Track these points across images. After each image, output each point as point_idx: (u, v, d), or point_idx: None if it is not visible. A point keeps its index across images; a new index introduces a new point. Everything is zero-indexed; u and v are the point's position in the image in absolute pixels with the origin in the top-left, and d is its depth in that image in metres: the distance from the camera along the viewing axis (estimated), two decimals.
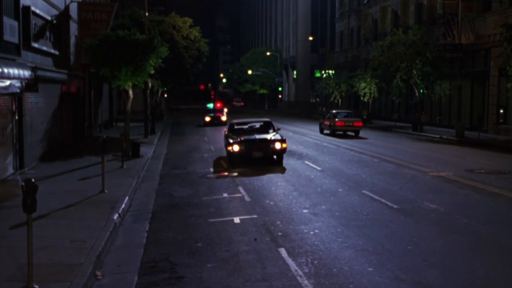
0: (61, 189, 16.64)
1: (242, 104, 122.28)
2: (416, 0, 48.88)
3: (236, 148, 21.82)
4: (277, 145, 21.85)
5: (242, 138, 22.17)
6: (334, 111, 40.74)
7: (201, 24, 55.35)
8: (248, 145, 21.98)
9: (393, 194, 16.07)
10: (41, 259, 9.34)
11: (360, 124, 38.57)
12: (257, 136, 22.64)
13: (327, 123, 39.64)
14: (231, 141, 22.23)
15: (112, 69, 23.98)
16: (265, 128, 24.52)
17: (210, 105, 58.21)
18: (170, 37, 44.88)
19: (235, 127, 25.07)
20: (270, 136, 22.58)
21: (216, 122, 49.86)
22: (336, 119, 38.31)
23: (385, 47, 43.75)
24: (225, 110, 55.81)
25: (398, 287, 8.54)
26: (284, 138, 22.53)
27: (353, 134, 38.33)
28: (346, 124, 38.16)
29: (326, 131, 40.03)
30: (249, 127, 25.50)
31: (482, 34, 37.28)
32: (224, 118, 50.45)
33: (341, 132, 38.67)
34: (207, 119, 50.63)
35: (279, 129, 24.59)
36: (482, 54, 38.56)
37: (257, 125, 25.67)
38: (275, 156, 22.70)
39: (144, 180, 19.55)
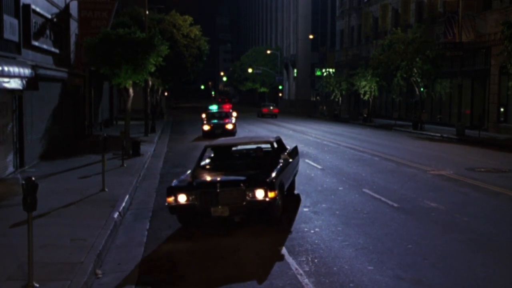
0: (61, 187, 16.64)
1: (226, 101, 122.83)
2: None
3: (182, 198, 11.82)
4: (259, 194, 11.72)
5: (194, 181, 12.25)
6: (264, 103, 71.83)
7: (201, 22, 55.36)
8: (204, 196, 11.79)
9: (393, 192, 16.06)
10: (41, 258, 9.34)
11: (277, 110, 65.62)
12: (225, 178, 12.42)
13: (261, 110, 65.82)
14: (174, 184, 12.35)
15: (113, 68, 23.99)
16: (262, 159, 14.42)
17: (214, 107, 45.19)
18: (171, 35, 44.94)
19: (212, 154, 15.72)
20: (251, 175, 12.39)
21: (218, 132, 35.92)
22: (263, 108, 65.59)
23: (385, 46, 43.75)
24: (234, 114, 41.70)
25: (398, 286, 8.54)
26: (273, 180, 11.99)
27: (275, 117, 62.56)
28: (268, 111, 64.72)
29: (259, 115, 64.41)
30: (233, 154, 15.91)
31: (483, 32, 37.24)
32: (230, 126, 37.09)
33: (269, 116, 63.10)
34: (206, 128, 36.83)
35: (293, 153, 15.50)
36: (482, 53, 38.50)
37: (252, 149, 15.84)
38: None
39: (144, 179, 19.54)
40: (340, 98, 60.90)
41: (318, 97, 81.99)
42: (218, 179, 12.28)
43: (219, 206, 11.70)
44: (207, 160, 14.79)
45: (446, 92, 41.23)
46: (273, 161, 13.68)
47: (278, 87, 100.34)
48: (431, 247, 10.52)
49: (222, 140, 16.24)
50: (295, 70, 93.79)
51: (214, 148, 15.61)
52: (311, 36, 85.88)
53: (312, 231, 11.90)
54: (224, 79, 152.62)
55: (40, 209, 9.87)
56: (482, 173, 19.58)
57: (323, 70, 68.74)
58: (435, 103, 44.86)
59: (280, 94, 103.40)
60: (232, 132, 36.26)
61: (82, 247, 10.25)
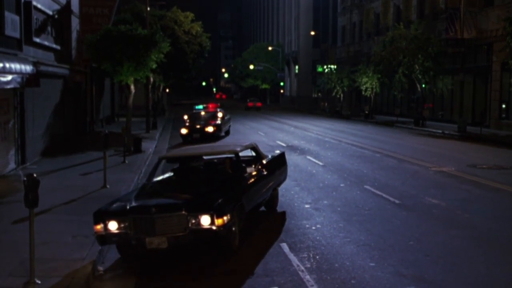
0: (63, 184, 16.66)
1: (223, 97, 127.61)
2: None
3: (113, 226, 9.52)
4: (204, 221, 9.38)
5: (129, 204, 9.80)
6: (249, 98, 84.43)
7: (202, 19, 55.38)
8: (137, 223, 9.45)
9: (395, 189, 16.05)
10: (43, 254, 9.34)
11: (260, 104, 77.71)
12: (164, 201, 10.07)
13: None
14: (103, 208, 10.04)
15: (114, 64, 23.99)
16: (224, 174, 11.71)
17: (200, 107, 37.36)
18: (172, 32, 44.91)
19: (170, 168, 13.51)
20: (197, 197, 10.04)
21: (197, 136, 31.03)
22: (248, 102, 78.30)
23: (387, 42, 43.67)
24: (220, 115, 34.35)
25: (400, 282, 8.53)
26: (223, 202, 9.67)
27: (259, 110, 73.50)
28: (253, 104, 76.04)
29: (246, 109, 75.04)
30: (195, 167, 12.91)
31: (485, 29, 37.17)
32: (210, 129, 31.66)
33: (254, 109, 73.49)
34: (184, 131, 31.32)
35: (274, 162, 13.43)
36: (484, 49, 38.45)
37: (220, 160, 13.24)
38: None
39: (146, 176, 19.51)
40: (342, 95, 60.84)
41: (319, 94, 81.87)
42: (156, 202, 9.81)
43: (156, 236, 9.32)
44: (166, 175, 12.53)
45: (448, 88, 41.16)
46: (235, 177, 11.26)
47: (279, 83, 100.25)
48: (433, 244, 10.52)
49: (179, 151, 14.19)
50: (297, 67, 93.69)
51: (171, 160, 13.43)
52: (312, 33, 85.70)
53: (313, 228, 11.90)
54: (226, 75, 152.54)
55: (41, 206, 9.86)
56: (484, 169, 19.56)
57: (325, 67, 68.64)
58: (436, 99, 44.80)
59: (282, 91, 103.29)
60: (213, 136, 31.12)
61: (83, 244, 10.26)
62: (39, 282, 8.28)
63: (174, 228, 9.35)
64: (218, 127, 32.13)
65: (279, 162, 13.97)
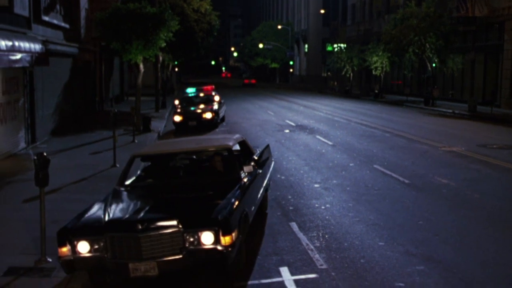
0: (73, 163, 16.73)
1: (229, 76, 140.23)
2: None
3: (83, 247, 7.39)
4: (206, 239, 7.30)
5: (104, 218, 7.67)
6: (246, 76, 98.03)
7: None
8: (117, 243, 7.27)
9: (404, 169, 16.01)
10: (53, 233, 9.34)
11: (254, 81, 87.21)
12: (151, 214, 7.67)
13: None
14: (69, 225, 7.67)
15: (123, 43, 23.95)
16: (217, 175, 9.81)
17: (192, 90, 32.33)
18: (181, 10, 44.58)
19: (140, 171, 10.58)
20: (193, 207, 8.00)
21: (193, 123, 26.94)
22: (244, 79, 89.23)
23: (398, 20, 43.24)
24: (217, 98, 30.22)
25: (409, 262, 8.55)
26: (229, 214, 7.50)
27: (254, 86, 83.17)
28: (248, 81, 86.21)
29: (243, 85, 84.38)
30: (179, 166, 10.55)
31: (496, 7, 36.71)
32: (208, 115, 27.32)
33: (249, 86, 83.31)
34: (177, 118, 26.91)
35: (263, 157, 11.51)
36: (496, 27, 38.02)
37: (208, 157, 11.02)
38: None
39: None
40: (351, 74, 60.54)
41: (329, 73, 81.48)
42: (140, 215, 7.60)
43: (142, 261, 7.18)
44: (139, 176, 10.08)
45: (458, 68, 40.82)
46: (232, 178, 9.18)
47: (289, 62, 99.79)
48: (442, 224, 10.51)
49: (157, 146, 11.61)
50: (306, 46, 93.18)
51: (147, 159, 10.67)
52: (322, 11, 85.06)
53: (323, 207, 11.91)
54: (235, 54, 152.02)
55: (51, 185, 9.92)
56: (494, 149, 19.46)
57: (335, 46, 68.16)
58: (447, 79, 44.47)
59: (291, 70, 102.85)
60: (211, 123, 27.41)
61: None
62: (50, 260, 8.36)
63: (166, 249, 7.23)
64: (216, 113, 27.90)
65: (267, 157, 12.04)
